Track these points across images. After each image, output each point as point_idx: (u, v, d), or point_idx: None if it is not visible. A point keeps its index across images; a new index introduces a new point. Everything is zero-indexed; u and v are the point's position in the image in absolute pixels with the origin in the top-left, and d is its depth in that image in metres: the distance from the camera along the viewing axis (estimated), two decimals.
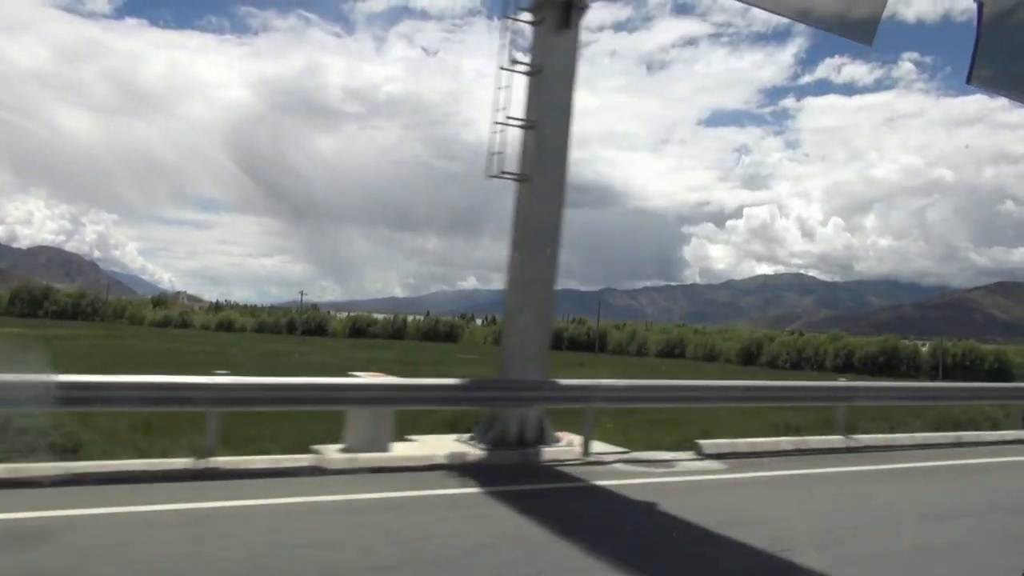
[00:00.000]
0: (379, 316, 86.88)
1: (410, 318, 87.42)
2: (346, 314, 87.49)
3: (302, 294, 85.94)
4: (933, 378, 43.27)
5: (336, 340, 64.34)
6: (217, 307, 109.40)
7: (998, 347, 54.57)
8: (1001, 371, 45.20)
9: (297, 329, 66.52)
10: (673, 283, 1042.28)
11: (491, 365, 19.02)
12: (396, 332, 73.76)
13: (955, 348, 49.85)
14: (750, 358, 53.91)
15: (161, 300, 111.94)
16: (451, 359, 37.25)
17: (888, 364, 49.71)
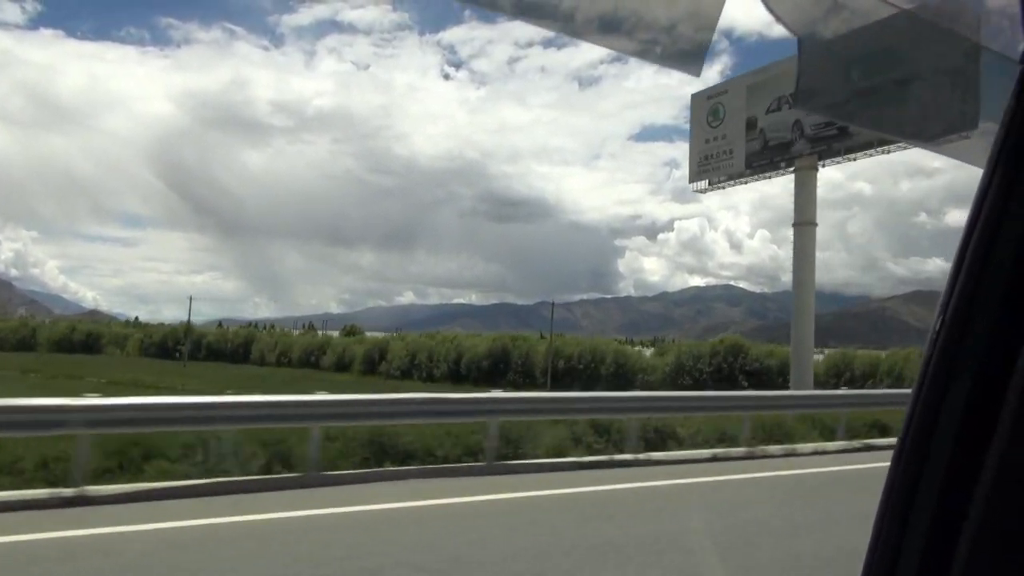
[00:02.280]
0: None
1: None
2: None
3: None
4: (543, 385, 34.79)
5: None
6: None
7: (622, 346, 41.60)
8: (620, 376, 34.74)
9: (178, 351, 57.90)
10: (608, 296, 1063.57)
11: None
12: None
13: (571, 348, 37.31)
14: (372, 365, 43.89)
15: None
16: None
17: (495, 369, 38.19)
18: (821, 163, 26.84)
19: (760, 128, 28.00)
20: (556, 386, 33.05)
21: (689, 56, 0.94)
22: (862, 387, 28.54)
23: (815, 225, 26.73)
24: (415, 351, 42.98)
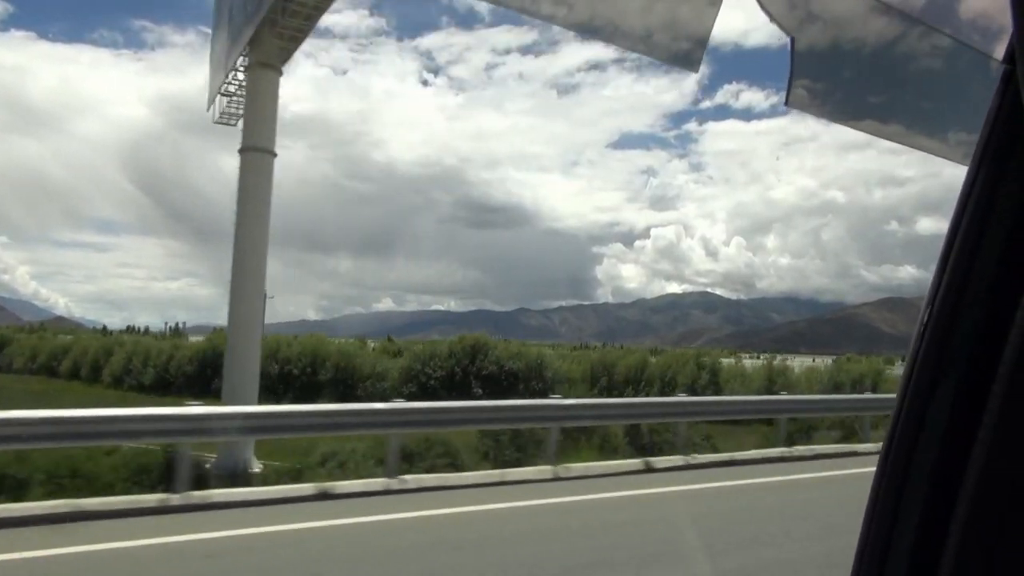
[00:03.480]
0: None
1: None
2: None
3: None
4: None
5: None
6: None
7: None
8: (341, 382, 29.43)
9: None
10: (586, 302, 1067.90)
11: None
12: None
13: (289, 350, 30.78)
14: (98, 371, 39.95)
15: None
16: None
17: (202, 376, 32.83)
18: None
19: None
20: (268, 397, 23.16)
21: (687, 53, 0.99)
22: (621, 394, 25.43)
23: (273, 155, 14.98)
24: (132, 355, 38.92)
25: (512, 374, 27.76)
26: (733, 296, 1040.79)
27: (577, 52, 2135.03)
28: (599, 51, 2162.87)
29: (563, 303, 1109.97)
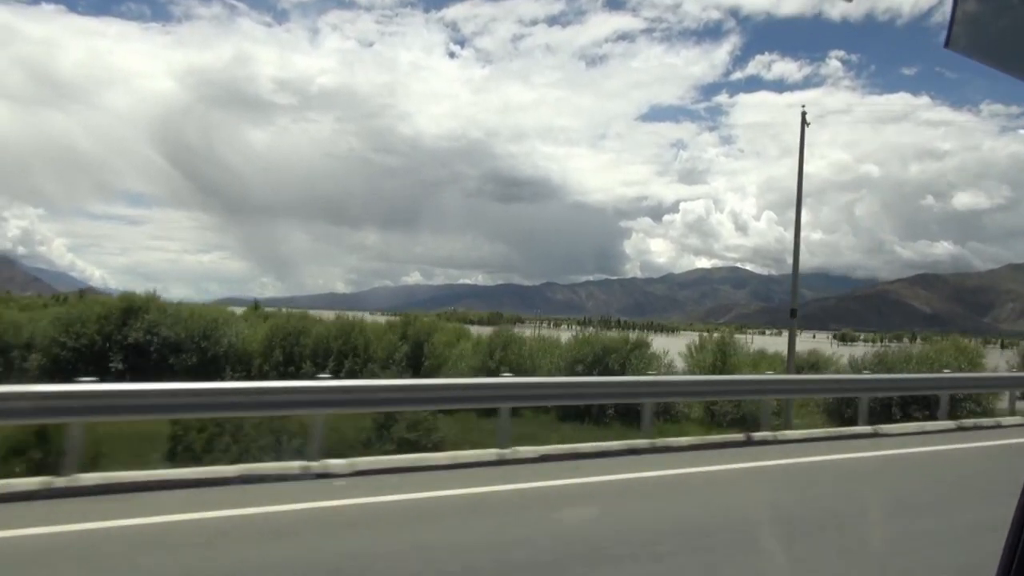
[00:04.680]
0: None
1: None
2: None
3: None
4: None
5: None
6: None
7: None
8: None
9: None
10: (614, 277, 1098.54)
11: None
12: None
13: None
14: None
15: None
16: None
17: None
18: None
19: None
20: None
21: None
22: None
23: None
24: None
25: (170, 344, 19.99)
26: (763, 271, 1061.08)
27: (605, 22, 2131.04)
28: (627, 21, 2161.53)
29: (591, 278, 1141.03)
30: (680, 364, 17.94)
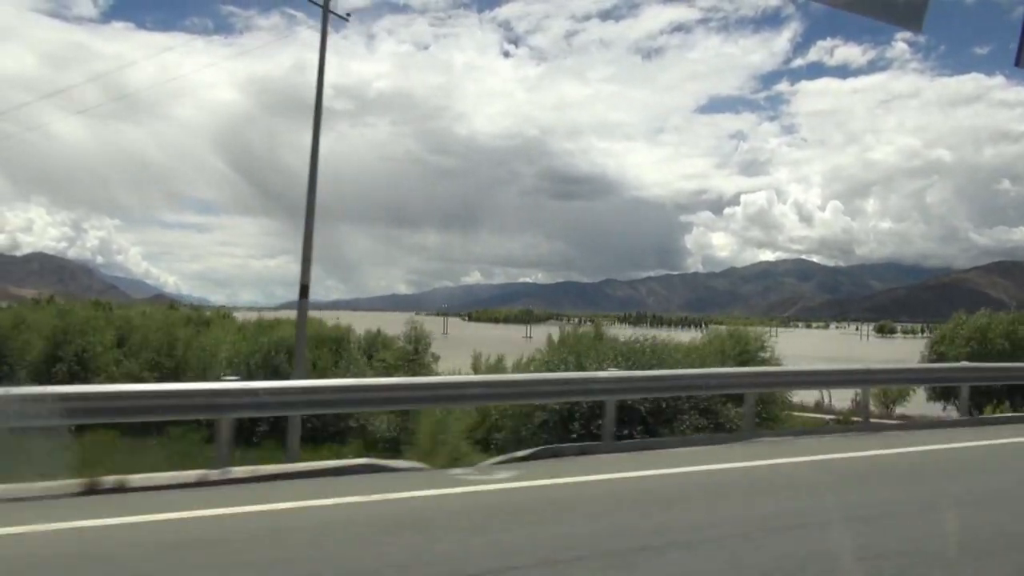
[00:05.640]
0: None
1: None
2: None
3: None
4: None
5: None
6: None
7: None
8: None
9: None
10: (675, 272, 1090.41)
11: None
12: None
13: None
14: None
15: None
16: None
17: None
18: None
19: None
20: None
21: (909, 9, 0.94)
22: None
23: None
24: None
25: None
26: (830, 263, 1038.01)
27: (659, 14, 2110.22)
28: (683, 12, 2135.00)
29: (651, 273, 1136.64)
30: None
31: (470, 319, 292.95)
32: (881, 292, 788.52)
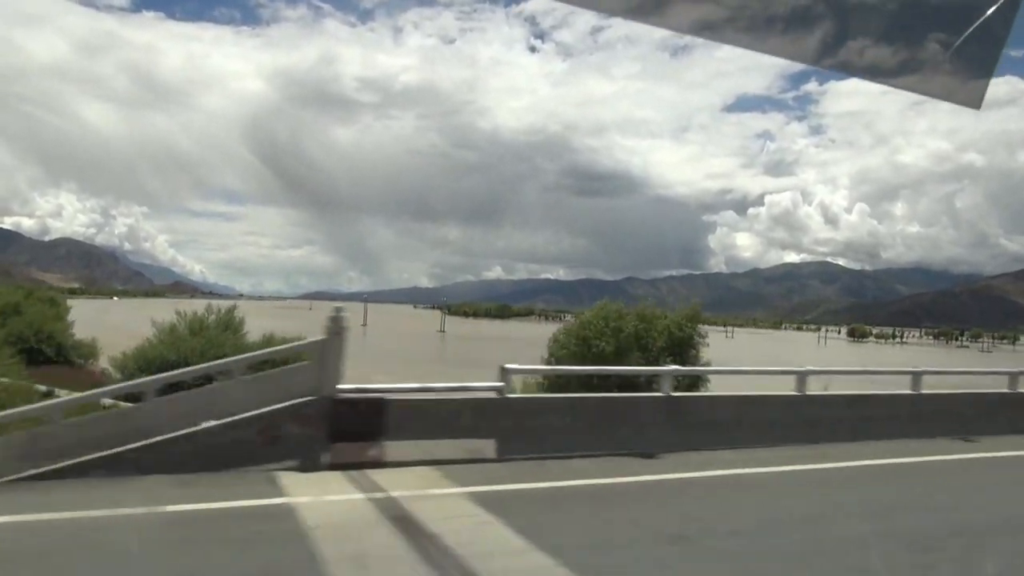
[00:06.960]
0: None
1: None
2: None
3: None
4: None
5: None
6: None
7: None
8: None
9: None
10: (697, 272, 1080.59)
11: None
12: None
13: None
14: None
15: None
16: None
17: None
18: None
19: None
20: None
21: (970, 89, 0.81)
22: None
23: None
24: None
25: None
26: (856, 266, 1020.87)
27: (688, 12, 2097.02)
28: (710, 10, 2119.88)
29: (673, 272, 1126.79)
30: None
31: (466, 316, 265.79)
32: (907, 297, 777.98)
